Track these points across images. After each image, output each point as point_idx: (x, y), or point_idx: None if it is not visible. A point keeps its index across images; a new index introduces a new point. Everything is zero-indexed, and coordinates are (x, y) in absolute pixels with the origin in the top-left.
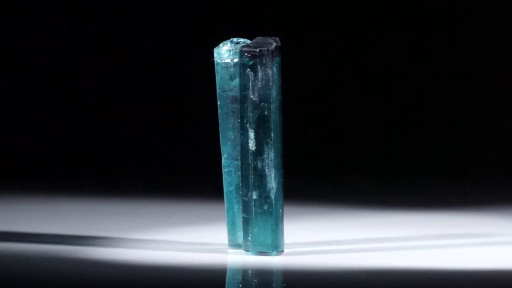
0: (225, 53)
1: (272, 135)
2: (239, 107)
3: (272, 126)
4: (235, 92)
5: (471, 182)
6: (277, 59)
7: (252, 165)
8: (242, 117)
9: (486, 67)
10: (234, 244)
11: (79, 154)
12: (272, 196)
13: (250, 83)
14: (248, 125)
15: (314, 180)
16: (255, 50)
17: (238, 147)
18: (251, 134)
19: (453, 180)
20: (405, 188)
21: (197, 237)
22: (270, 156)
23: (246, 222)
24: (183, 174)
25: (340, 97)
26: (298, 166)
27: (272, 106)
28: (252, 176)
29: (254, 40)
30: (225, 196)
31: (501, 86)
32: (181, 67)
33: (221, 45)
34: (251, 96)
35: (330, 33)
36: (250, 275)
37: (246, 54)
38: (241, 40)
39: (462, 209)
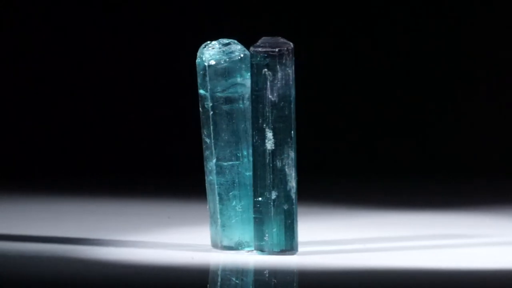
0: (217, 54)
1: (293, 135)
2: (246, 107)
3: (292, 126)
4: (228, 93)
5: (471, 182)
6: (293, 58)
7: (271, 164)
8: (256, 118)
9: (486, 68)
10: (222, 246)
11: (79, 154)
12: (293, 196)
13: (268, 83)
14: (264, 125)
15: (315, 180)
16: (273, 50)
17: (229, 149)
18: (269, 134)
19: (453, 180)
20: (405, 188)
21: (197, 237)
22: (291, 155)
23: (260, 222)
24: (182, 174)
25: (340, 98)
26: (298, 166)
27: (292, 106)
28: (271, 176)
29: (262, 41)
30: (216, 198)
31: (501, 86)
32: (182, 66)
33: (208, 45)
34: (270, 96)
35: (329, 32)
36: (268, 275)
37: (261, 54)
38: (228, 40)
39: (462, 209)
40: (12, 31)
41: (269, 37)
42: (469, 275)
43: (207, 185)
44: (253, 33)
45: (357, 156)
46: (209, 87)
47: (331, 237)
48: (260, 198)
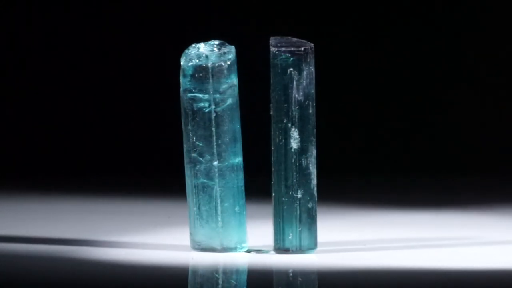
0: (217, 55)
1: (315, 132)
2: (237, 107)
3: (315, 124)
4: (227, 94)
5: (472, 182)
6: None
7: (297, 164)
8: (279, 117)
9: (486, 68)
10: (222, 248)
11: (79, 154)
12: (315, 194)
13: (295, 82)
14: (290, 124)
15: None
16: (299, 49)
17: (230, 150)
18: (295, 134)
19: (453, 180)
20: (405, 187)
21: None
22: (314, 153)
23: (283, 221)
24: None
25: (340, 97)
26: None
27: (314, 104)
28: (296, 175)
29: (276, 40)
30: (216, 201)
31: (501, 86)
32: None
33: (204, 46)
34: (296, 95)
35: (329, 32)
36: (292, 274)
37: (287, 54)
38: (219, 41)
39: (463, 209)
40: (13, 30)
41: (278, 37)
42: (470, 275)
43: (195, 188)
44: (243, 35)
45: (357, 155)
46: (211, 89)
47: (333, 236)
48: (284, 198)
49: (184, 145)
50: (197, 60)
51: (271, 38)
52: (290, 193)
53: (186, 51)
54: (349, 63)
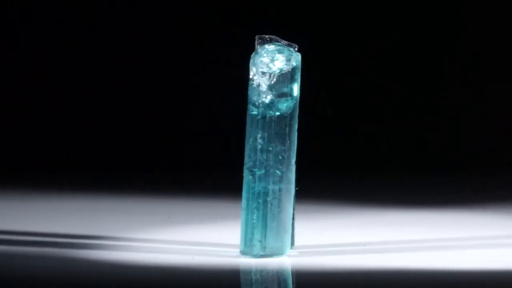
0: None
1: None
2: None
3: None
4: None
5: (473, 182)
6: None
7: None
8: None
9: (486, 68)
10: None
11: (80, 151)
12: None
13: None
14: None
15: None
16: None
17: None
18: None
19: (454, 180)
20: (405, 187)
21: (197, 237)
22: None
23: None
24: (182, 174)
25: (346, 97)
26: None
27: None
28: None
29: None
30: (294, 204)
31: (503, 86)
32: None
33: (285, 47)
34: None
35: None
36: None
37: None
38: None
39: (464, 209)
40: (13, 30)
41: (265, 35)
42: (469, 275)
43: (278, 192)
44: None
45: (355, 153)
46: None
47: (332, 236)
48: (295, 197)
49: (263, 152)
50: (291, 61)
51: (265, 36)
52: (297, 189)
53: (278, 53)
54: (347, 60)
